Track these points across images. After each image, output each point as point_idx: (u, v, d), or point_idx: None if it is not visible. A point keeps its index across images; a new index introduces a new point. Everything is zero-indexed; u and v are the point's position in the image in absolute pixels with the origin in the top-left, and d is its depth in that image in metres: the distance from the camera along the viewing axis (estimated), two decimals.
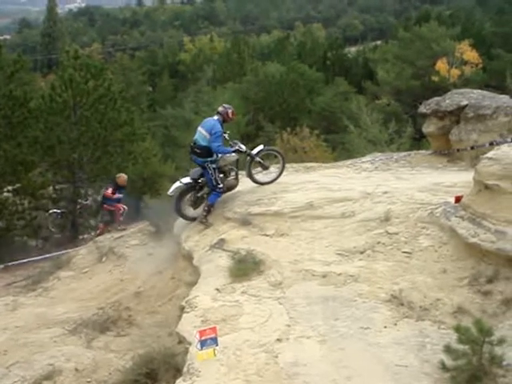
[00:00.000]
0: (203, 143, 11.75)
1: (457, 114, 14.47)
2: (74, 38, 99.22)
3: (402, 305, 7.94)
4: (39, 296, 13.02)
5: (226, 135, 12.20)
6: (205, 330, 7.12)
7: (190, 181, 12.08)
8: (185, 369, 7.25)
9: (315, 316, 7.94)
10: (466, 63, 38.11)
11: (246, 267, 9.23)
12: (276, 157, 12.93)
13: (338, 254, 9.27)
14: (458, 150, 14.21)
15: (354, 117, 26.36)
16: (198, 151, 11.82)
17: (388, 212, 9.98)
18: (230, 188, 12.24)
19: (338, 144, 21.06)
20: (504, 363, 6.26)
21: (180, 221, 12.60)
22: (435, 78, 37.33)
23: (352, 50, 70.79)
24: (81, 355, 10.04)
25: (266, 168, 12.53)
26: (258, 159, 12.29)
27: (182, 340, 8.38)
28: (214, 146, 11.62)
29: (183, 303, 9.07)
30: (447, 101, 14.80)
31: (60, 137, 20.34)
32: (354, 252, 9.31)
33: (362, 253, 9.26)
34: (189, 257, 10.99)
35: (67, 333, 10.99)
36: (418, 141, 24.70)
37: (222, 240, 10.41)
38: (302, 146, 21.36)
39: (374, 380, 6.65)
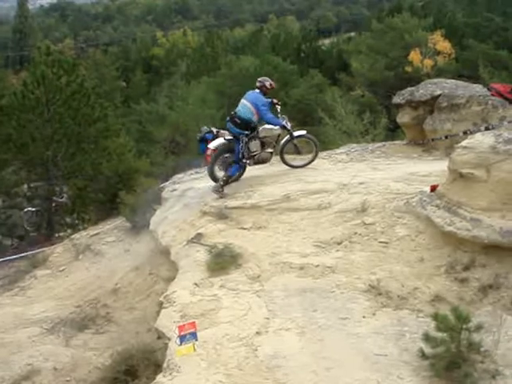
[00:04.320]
0: (245, 116, 11.93)
1: (431, 104, 14.53)
2: (46, 34, 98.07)
3: (380, 294, 7.98)
4: (16, 295, 12.92)
5: (279, 107, 12.44)
6: (184, 325, 7.08)
7: (232, 138, 12.12)
8: (165, 364, 7.23)
9: (294, 308, 7.94)
10: (438, 53, 38.33)
11: (223, 261, 9.21)
12: (309, 144, 12.99)
13: (316, 245, 9.28)
14: (432, 140, 14.28)
15: (329, 108, 26.35)
16: (237, 121, 11.94)
17: (364, 203, 10.00)
18: (263, 161, 12.44)
19: (314, 136, 21.00)
20: (482, 349, 6.31)
21: (157, 216, 12.54)
22: (409, 69, 37.52)
23: (326, 42, 70.67)
24: (59, 354, 10.00)
25: (298, 153, 12.74)
26: (295, 142, 12.49)
27: (161, 336, 8.37)
28: (266, 116, 11.91)
29: (161, 299, 9.03)
30: (421, 91, 14.86)
31: (33, 134, 20.09)
32: (331, 243, 9.32)
33: (339, 244, 9.28)
34: (166, 252, 10.94)
35: (45, 332, 10.93)
36: (393, 131, 24.82)
37: (200, 234, 10.36)
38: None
39: (353, 370, 6.67)
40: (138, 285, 11.77)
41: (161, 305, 8.90)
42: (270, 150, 12.42)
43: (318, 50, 55.89)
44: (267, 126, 12.24)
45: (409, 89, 15.46)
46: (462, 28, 46.78)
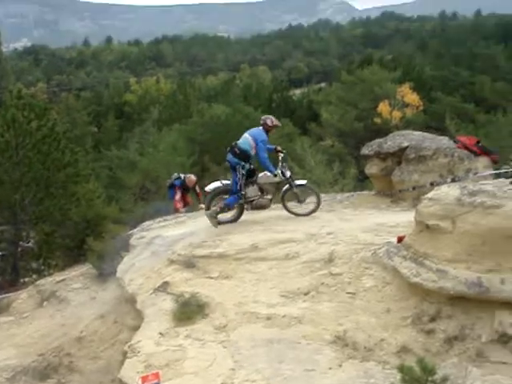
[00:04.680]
0: (244, 147, 12.26)
1: (398, 156, 14.78)
2: (19, 77, 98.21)
3: (347, 346, 7.95)
4: None
5: (281, 155, 12.70)
6: (147, 376, 6.97)
7: (229, 184, 12.57)
8: None
9: (260, 359, 7.86)
10: (407, 106, 39.08)
11: (189, 310, 9.12)
12: (310, 194, 13.16)
13: (283, 295, 9.23)
14: (400, 191, 14.48)
15: (299, 158, 26.61)
16: (236, 151, 12.25)
17: (332, 253, 10.00)
18: (261, 207, 12.63)
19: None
20: None
21: (124, 263, 12.42)
22: (378, 120, 38.16)
23: (297, 92, 71.79)
24: None
25: (300, 202, 12.76)
26: (296, 190, 12.60)
27: None
28: (261, 154, 12.20)
29: (126, 348, 8.89)
30: (389, 142, 15.12)
31: (1, 177, 19.88)
32: (298, 293, 9.28)
33: (306, 294, 9.24)
34: (132, 300, 10.79)
35: (5, 381, 10.62)
36: (362, 181, 25.05)
37: (166, 283, 10.26)
38: None
39: None
40: (102, 333, 11.56)
41: (125, 354, 8.76)
42: (268, 197, 12.63)
43: (289, 100, 56.62)
44: (267, 173, 12.47)
45: (377, 140, 15.72)
46: (429, 81, 47.91)
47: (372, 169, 15.32)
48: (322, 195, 16.59)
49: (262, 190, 12.52)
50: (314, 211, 12.65)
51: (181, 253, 11.06)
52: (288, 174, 12.58)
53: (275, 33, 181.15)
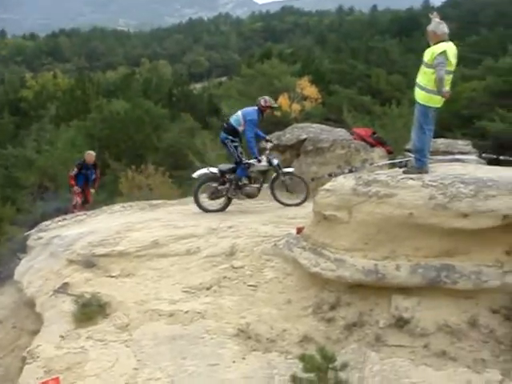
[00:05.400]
0: (234, 123, 12.53)
1: (297, 148, 15.02)
2: None
3: (250, 338, 8.00)
4: None
5: (269, 145, 13.02)
6: (47, 382, 6.77)
7: (217, 172, 12.64)
8: None
9: (163, 356, 7.80)
10: (306, 98, 39.62)
11: (90, 311, 8.91)
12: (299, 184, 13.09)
13: (185, 291, 9.17)
14: None
15: (200, 152, 26.52)
16: (225, 126, 12.64)
17: (233, 246, 10.02)
18: (248, 195, 12.73)
19: (185, 180, 21.00)
20: None
21: (22, 265, 12.00)
22: (277, 113, 38.51)
23: (197, 86, 71.60)
24: None
25: (288, 191, 12.82)
26: (284, 179, 12.69)
27: None
28: (247, 133, 12.42)
29: (25, 354, 8.60)
30: (287, 135, 15.35)
31: None
32: (200, 288, 9.23)
33: (208, 289, 9.20)
34: (31, 303, 10.44)
35: None
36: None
37: (66, 284, 9.98)
38: (148, 184, 21.14)
39: None
40: (0, 340, 11.13)
41: (24, 360, 8.47)
42: (256, 185, 12.70)
43: (190, 94, 56.29)
44: (253, 161, 12.62)
45: (276, 133, 15.92)
46: (328, 74, 48.71)
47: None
48: None
49: (249, 179, 12.60)
50: (303, 201, 12.57)
51: (80, 252, 10.76)
52: (275, 162, 12.77)
53: (175, 27, 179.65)
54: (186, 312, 8.62)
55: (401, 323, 7.61)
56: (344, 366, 6.41)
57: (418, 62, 8.91)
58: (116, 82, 63.56)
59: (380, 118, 25.71)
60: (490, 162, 12.94)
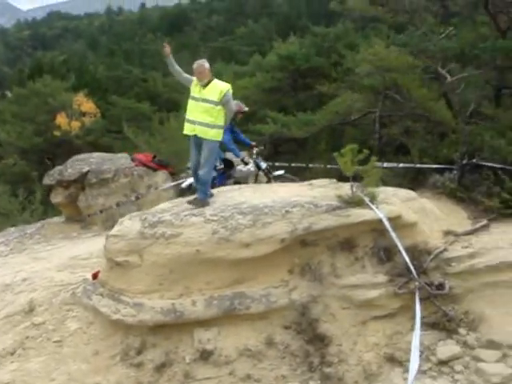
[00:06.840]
0: None
1: (81, 181, 14.84)
2: None
3: None
4: None
5: (255, 150, 12.42)
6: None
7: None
8: None
9: None
10: (84, 114, 38.80)
11: None
12: None
13: None
14: (89, 216, 14.55)
15: None
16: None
17: (31, 301, 9.60)
18: None
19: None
20: None
21: None
22: (57, 133, 37.28)
23: None
24: None
25: None
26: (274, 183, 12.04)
27: None
28: (224, 138, 11.24)
29: None
30: (69, 170, 15.08)
31: None
32: (4, 355, 8.73)
33: (12, 354, 8.74)
34: None
35: None
36: (51, 206, 24.40)
37: None
38: None
39: None
40: None
41: None
42: None
43: None
44: (242, 167, 12.26)
45: (57, 168, 15.60)
46: (104, 82, 47.90)
47: (57, 198, 15.19)
48: (12, 229, 16.01)
49: (238, 184, 11.92)
50: None
51: None
52: (263, 165, 12.34)
53: None
54: None
55: (205, 355, 7.90)
56: None
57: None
58: None
59: (160, 131, 25.81)
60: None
